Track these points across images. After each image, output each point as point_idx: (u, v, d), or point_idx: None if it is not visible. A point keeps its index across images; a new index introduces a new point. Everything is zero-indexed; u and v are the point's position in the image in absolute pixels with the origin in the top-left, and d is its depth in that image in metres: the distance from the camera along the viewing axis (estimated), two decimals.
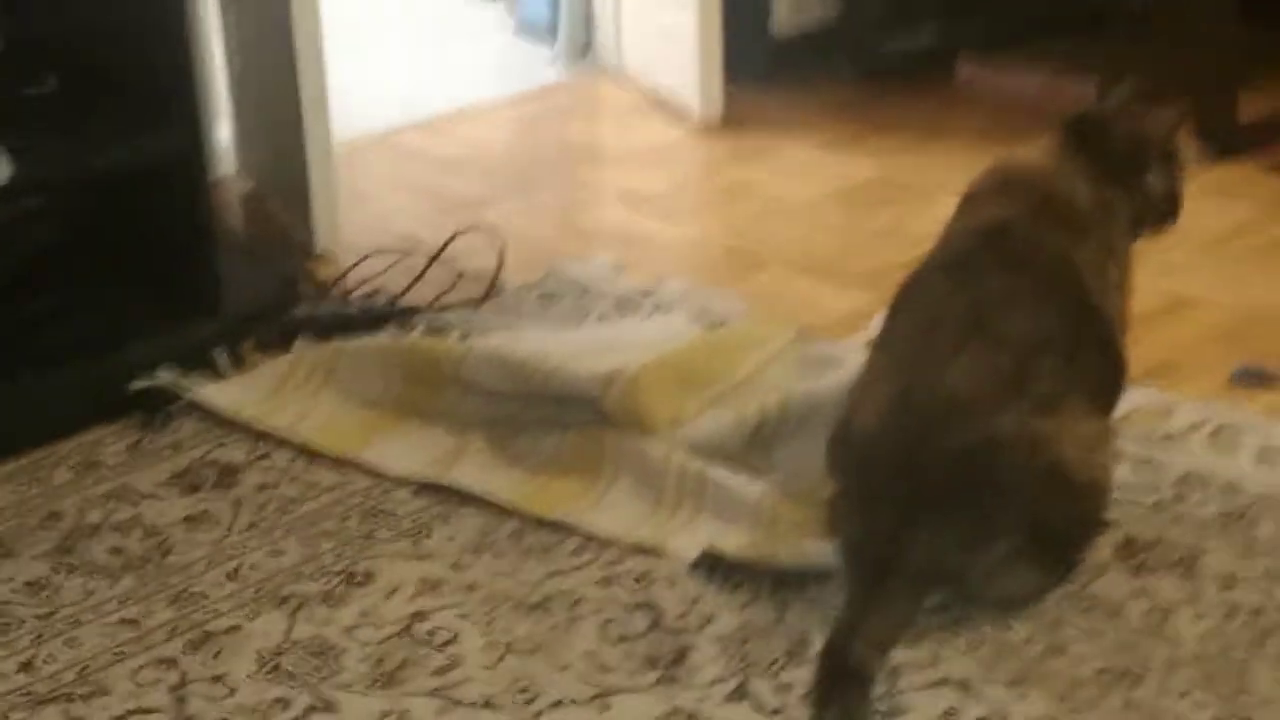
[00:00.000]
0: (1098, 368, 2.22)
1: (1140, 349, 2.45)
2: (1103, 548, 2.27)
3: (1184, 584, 2.23)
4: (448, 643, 2.17)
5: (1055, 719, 1.98)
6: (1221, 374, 2.80)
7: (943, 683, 2.05)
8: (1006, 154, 2.42)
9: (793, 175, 3.84)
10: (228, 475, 2.59)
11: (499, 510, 2.46)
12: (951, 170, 3.66)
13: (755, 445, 2.53)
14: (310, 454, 2.64)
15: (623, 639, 2.16)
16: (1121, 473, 2.38)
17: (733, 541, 2.32)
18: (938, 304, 2.21)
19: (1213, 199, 3.50)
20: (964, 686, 2.04)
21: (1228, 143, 3.76)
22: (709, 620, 2.19)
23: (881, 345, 2.29)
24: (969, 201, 2.36)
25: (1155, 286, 3.06)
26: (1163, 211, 2.42)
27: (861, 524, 2.16)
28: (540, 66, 4.76)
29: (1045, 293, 2.20)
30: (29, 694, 2.09)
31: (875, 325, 2.97)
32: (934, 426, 2.11)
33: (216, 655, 2.16)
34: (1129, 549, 2.30)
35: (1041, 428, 2.11)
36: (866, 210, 3.62)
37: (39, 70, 2.89)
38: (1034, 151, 2.38)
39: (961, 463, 2.10)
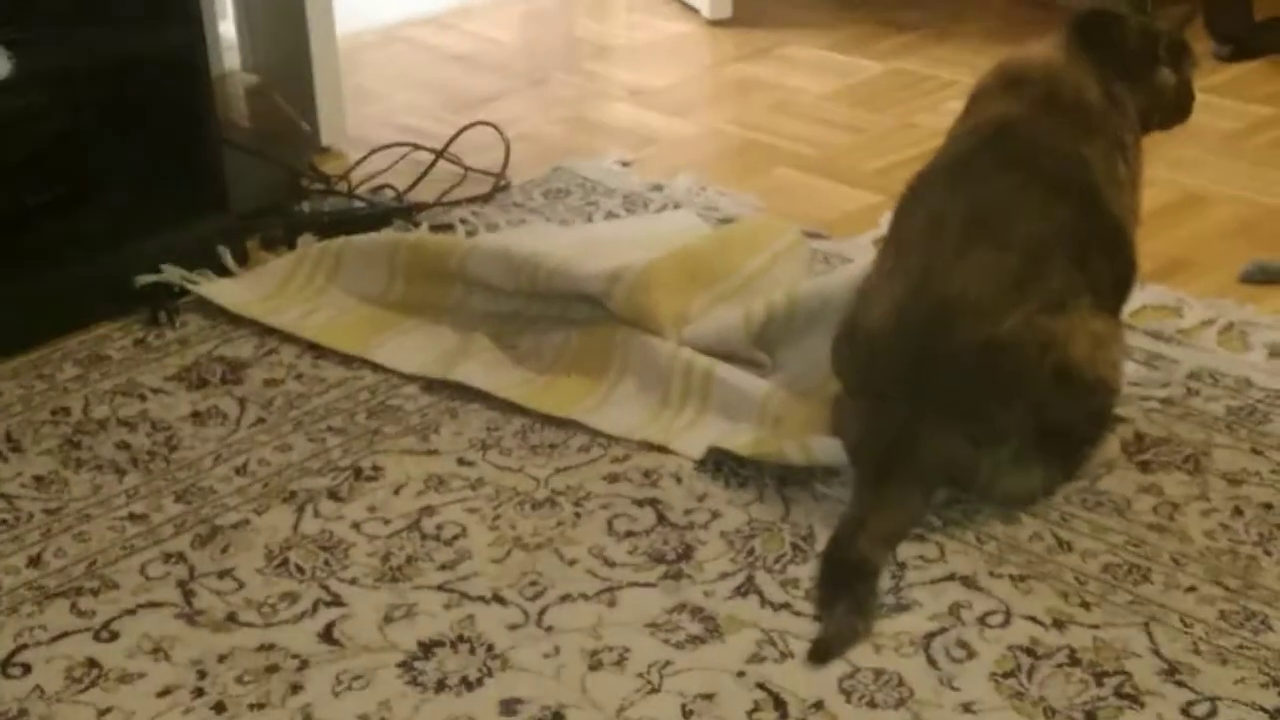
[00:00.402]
0: (1107, 266, 2.20)
1: (1152, 245, 2.43)
2: (1111, 444, 2.27)
3: (1192, 480, 2.23)
4: (455, 537, 2.17)
5: (1061, 614, 1.99)
6: (1233, 270, 2.78)
7: (949, 578, 2.05)
8: (1014, 51, 2.39)
9: (802, 72, 3.81)
10: (234, 371, 2.59)
11: (506, 407, 2.46)
12: (961, 69, 3.64)
13: (762, 343, 2.52)
14: (317, 350, 2.63)
15: (629, 534, 2.17)
16: (1131, 369, 2.38)
17: (739, 439, 2.32)
18: (942, 205, 2.18)
19: (1227, 97, 3.47)
20: (970, 582, 2.05)
21: (1242, 42, 3.72)
22: (715, 516, 2.19)
23: (887, 247, 2.27)
24: (975, 100, 2.33)
25: (1167, 181, 3.05)
26: (1174, 107, 2.39)
27: (868, 422, 2.16)
28: None
29: (1051, 191, 2.17)
30: (38, 588, 2.10)
31: (884, 223, 2.96)
32: (941, 326, 2.10)
33: (225, 550, 2.16)
34: (1138, 445, 2.30)
35: (1050, 326, 2.10)
36: (875, 108, 3.59)
37: None
38: (1042, 47, 2.34)
39: (969, 361, 2.09)
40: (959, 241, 2.13)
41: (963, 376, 2.09)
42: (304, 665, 1.95)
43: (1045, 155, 2.20)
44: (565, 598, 2.05)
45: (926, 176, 2.26)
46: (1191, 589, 2.03)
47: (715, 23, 4.11)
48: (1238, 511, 2.16)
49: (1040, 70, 2.29)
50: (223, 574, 2.12)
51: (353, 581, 2.09)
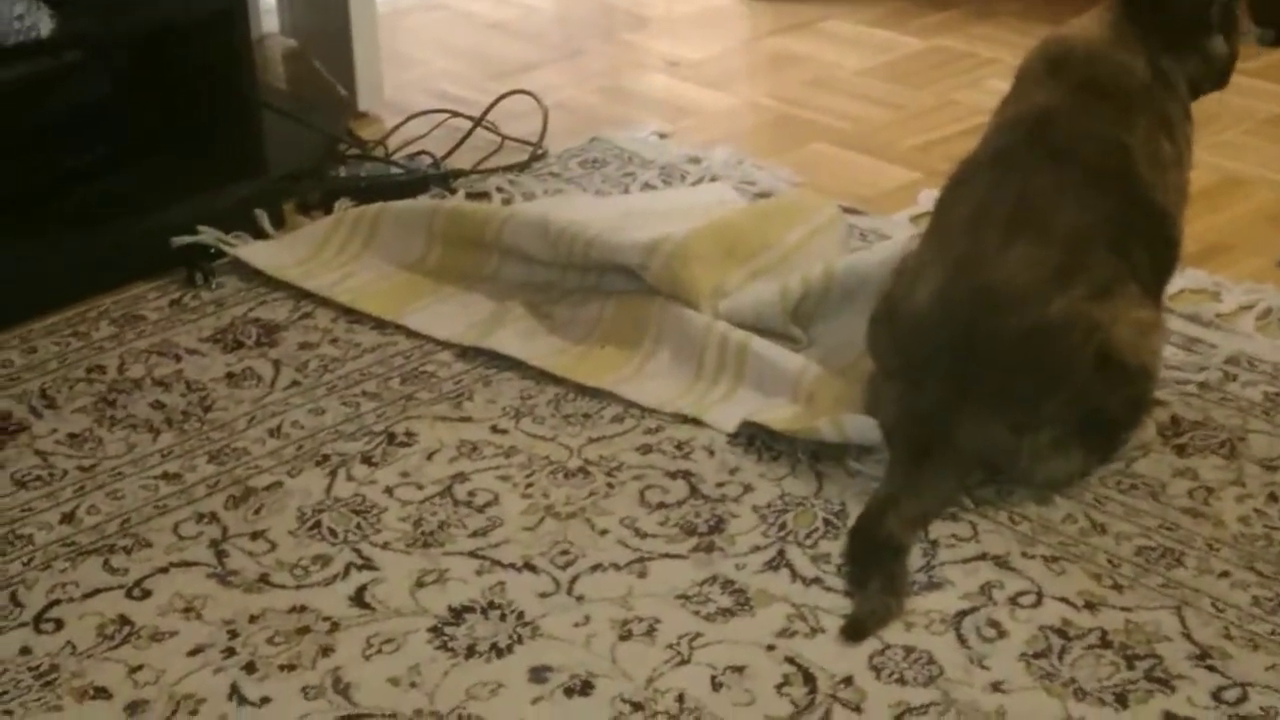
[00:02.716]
0: (1150, 254, 2.19)
1: (1191, 229, 2.41)
2: (1148, 427, 2.26)
3: (1228, 465, 2.22)
4: (487, 504, 2.17)
5: (1093, 595, 1.98)
6: (1272, 255, 2.76)
7: (981, 557, 2.05)
8: (1060, 27, 2.37)
9: (840, 47, 3.79)
10: (270, 333, 2.60)
11: (540, 375, 2.46)
12: (1001, 46, 3.62)
13: (797, 318, 2.52)
14: (352, 314, 2.64)
15: (661, 505, 2.17)
16: (1169, 352, 2.36)
17: (773, 413, 2.32)
18: (985, 199, 2.17)
19: (1270, 81, 3.44)
20: (1003, 562, 2.04)
21: None
22: (747, 490, 2.19)
23: (930, 234, 2.26)
24: (1019, 83, 2.30)
25: (1208, 165, 3.02)
26: (1218, 74, 2.36)
27: (906, 405, 2.15)
28: None
29: (1093, 182, 2.16)
30: (71, 544, 2.11)
31: (922, 200, 2.96)
32: (985, 310, 2.09)
33: (258, 511, 2.17)
34: (1174, 429, 2.29)
35: (1094, 311, 2.09)
36: (914, 85, 3.57)
37: None
38: (1088, 23, 2.32)
39: (1012, 346, 2.08)
40: (1003, 233, 2.12)
41: (1006, 362, 2.08)
42: (335, 628, 1.96)
43: (1085, 145, 2.18)
44: (596, 567, 2.05)
45: (971, 165, 2.25)
46: (1225, 574, 2.02)
47: None
48: (1272, 498, 2.15)
49: (1082, 51, 2.27)
50: (255, 535, 2.12)
51: (385, 546, 2.10)
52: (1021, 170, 2.18)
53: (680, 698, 1.84)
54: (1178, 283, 2.54)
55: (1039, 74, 2.28)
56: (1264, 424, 2.30)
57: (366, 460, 2.27)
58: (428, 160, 3.14)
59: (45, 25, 2.66)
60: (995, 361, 2.09)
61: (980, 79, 3.48)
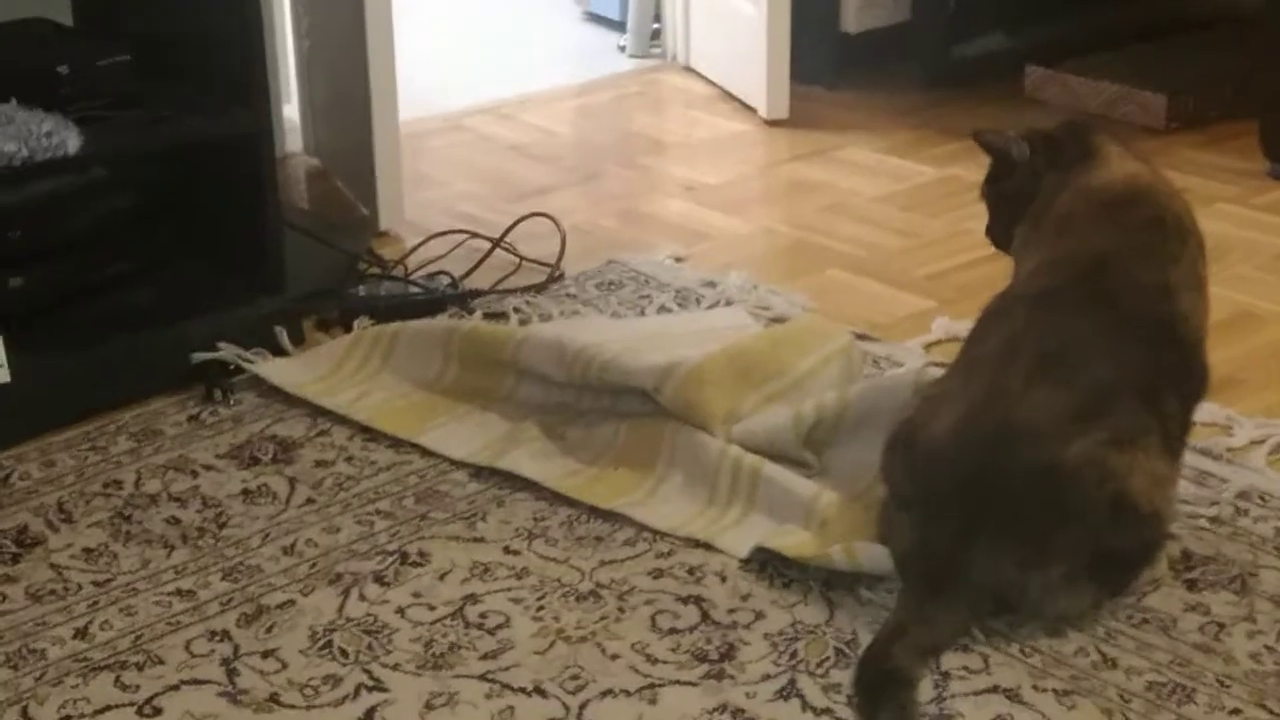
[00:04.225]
0: (1179, 406, 2.20)
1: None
2: (1159, 562, 2.26)
3: (1239, 601, 2.21)
4: (499, 627, 2.18)
5: None
6: None
7: (992, 690, 2.05)
8: (1104, 165, 2.35)
9: (856, 175, 3.84)
10: (286, 450, 2.61)
11: (553, 497, 2.47)
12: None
13: (811, 444, 2.53)
14: (368, 432, 2.66)
15: (673, 631, 2.17)
16: (1180, 486, 2.37)
17: (785, 539, 2.32)
18: (1020, 335, 2.18)
19: None
20: (1014, 695, 2.04)
21: None
22: (759, 617, 2.19)
23: (957, 364, 2.27)
24: (1071, 222, 2.30)
25: (1220, 298, 3.04)
26: None
27: (919, 535, 2.15)
28: (608, 55, 4.78)
29: (1133, 333, 2.17)
30: (84, 660, 2.11)
31: (936, 328, 2.98)
32: (1003, 447, 2.10)
33: (270, 630, 2.17)
34: (1185, 563, 2.29)
35: (1112, 458, 2.09)
36: (928, 213, 3.61)
37: (111, 43, 2.91)
38: (1130, 160, 2.35)
39: (1028, 484, 2.09)
40: (1029, 372, 2.13)
41: (1019, 497, 2.09)
42: None
43: (1131, 292, 2.19)
44: (607, 693, 2.05)
45: (1010, 299, 2.26)
46: (1236, 711, 2.01)
47: (772, 123, 4.15)
48: None
49: (1137, 192, 2.29)
50: (266, 654, 2.12)
51: (395, 667, 2.10)
52: (1062, 311, 2.18)
53: None
54: None
55: (1095, 215, 2.29)
56: (1275, 560, 2.30)
57: (379, 580, 2.28)
58: (446, 280, 3.17)
59: (73, 142, 2.71)
60: (1009, 498, 2.09)
61: None
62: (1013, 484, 2.09)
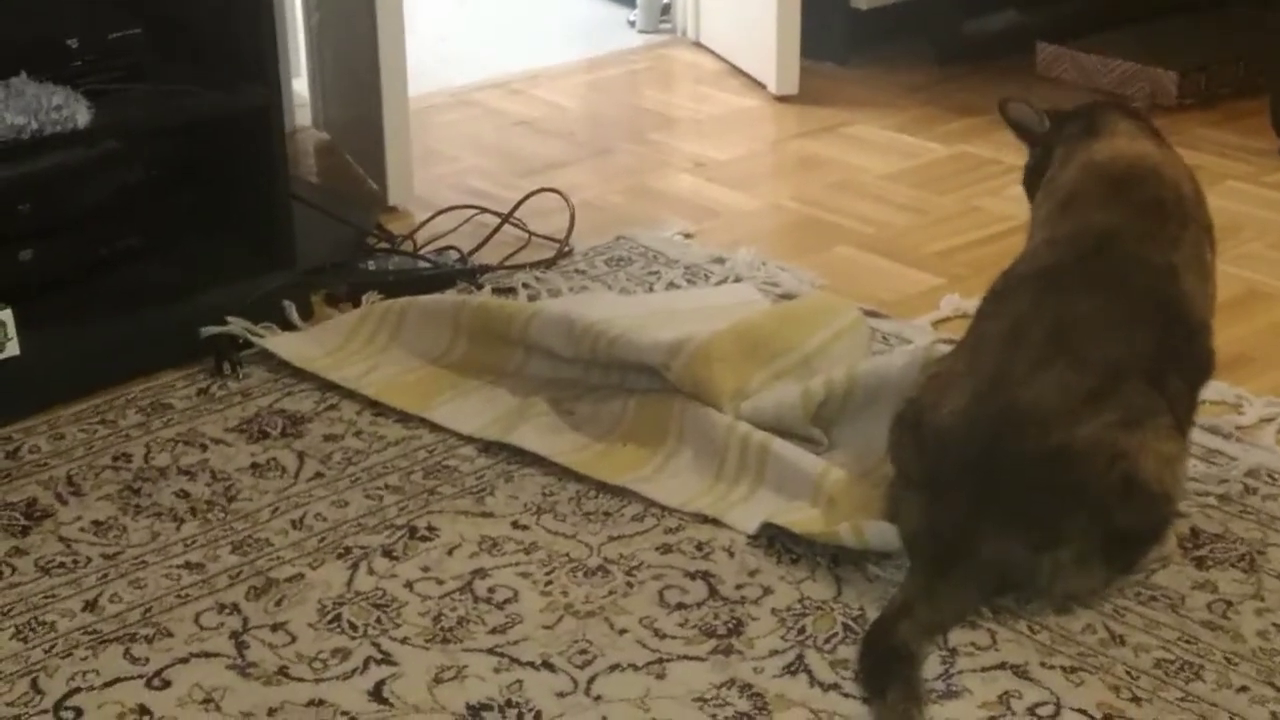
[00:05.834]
0: (1186, 380, 2.19)
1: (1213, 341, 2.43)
2: (1168, 540, 2.26)
3: (1247, 578, 2.21)
4: (507, 601, 2.18)
5: (1112, 708, 1.98)
6: None
7: (1000, 666, 2.05)
8: (1109, 141, 2.35)
9: (866, 152, 3.83)
10: (295, 425, 2.62)
11: (561, 472, 2.47)
12: (1023, 153, 3.63)
13: (819, 420, 2.53)
14: (377, 407, 2.66)
15: (681, 606, 2.17)
16: (1190, 464, 2.36)
17: (793, 516, 2.32)
18: (1026, 316, 2.17)
19: None
20: (1021, 671, 2.04)
21: None
22: (766, 592, 2.20)
23: (964, 345, 2.26)
24: (1075, 200, 2.29)
25: (1230, 276, 3.04)
26: None
27: (927, 515, 2.15)
28: (618, 30, 4.77)
29: (1139, 313, 2.16)
30: (93, 632, 2.12)
31: (945, 305, 2.98)
32: (1012, 429, 2.10)
33: (278, 603, 2.18)
34: (1194, 541, 2.29)
35: (1122, 439, 2.08)
36: (938, 190, 3.60)
37: (122, 16, 2.91)
38: (1137, 138, 2.34)
39: (1038, 465, 2.08)
40: (1038, 354, 2.12)
41: (1029, 481, 2.08)
42: None
43: (1137, 272, 2.18)
44: (614, 667, 2.05)
45: (1015, 278, 2.26)
46: (1244, 689, 2.01)
47: (781, 99, 4.14)
48: None
49: (1142, 170, 2.29)
50: (276, 627, 2.13)
51: (404, 640, 2.10)
52: (1068, 291, 2.18)
53: None
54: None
55: (1099, 193, 2.28)
56: None
57: (388, 554, 2.28)
58: (455, 255, 3.17)
59: (83, 116, 2.71)
60: (1019, 480, 2.09)
61: (1003, 186, 3.51)
62: (1023, 466, 2.08)
